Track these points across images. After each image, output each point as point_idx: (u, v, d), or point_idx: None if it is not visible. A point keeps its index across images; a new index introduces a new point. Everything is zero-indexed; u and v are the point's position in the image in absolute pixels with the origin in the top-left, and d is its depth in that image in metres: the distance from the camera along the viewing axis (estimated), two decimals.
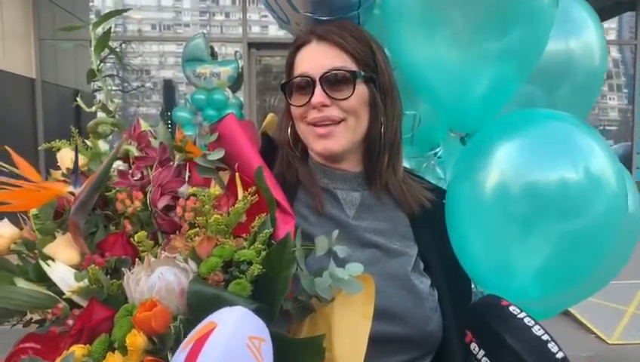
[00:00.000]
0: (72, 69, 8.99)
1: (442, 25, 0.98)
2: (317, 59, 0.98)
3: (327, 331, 0.76)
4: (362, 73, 0.98)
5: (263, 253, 0.76)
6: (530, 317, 0.76)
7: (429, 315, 0.97)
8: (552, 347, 0.73)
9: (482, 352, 0.81)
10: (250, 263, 0.75)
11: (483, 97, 1.05)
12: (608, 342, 4.27)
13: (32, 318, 0.78)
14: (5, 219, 0.80)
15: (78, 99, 0.92)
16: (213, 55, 7.12)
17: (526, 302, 0.91)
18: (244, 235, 0.79)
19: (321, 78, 0.96)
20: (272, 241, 0.80)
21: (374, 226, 1.01)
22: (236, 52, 7.29)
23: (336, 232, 0.79)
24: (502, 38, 0.98)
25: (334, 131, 0.97)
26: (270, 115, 1.10)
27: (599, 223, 0.94)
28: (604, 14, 9.21)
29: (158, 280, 0.71)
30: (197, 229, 0.78)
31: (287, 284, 0.72)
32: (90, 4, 10.14)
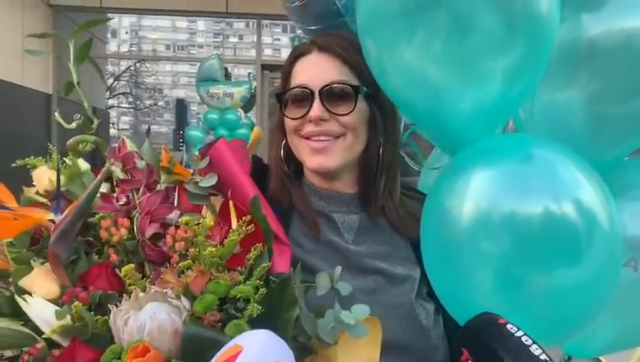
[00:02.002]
0: (87, 86, 9.05)
1: (426, 34, 0.80)
2: (317, 70, 0.93)
3: None
4: (364, 89, 0.93)
5: (262, 290, 0.70)
6: (527, 335, 0.73)
7: (435, 344, 0.92)
8: None
9: None
10: (247, 300, 0.69)
11: (473, 116, 0.89)
12: None
13: (2, 355, 0.72)
14: None
15: (56, 113, 0.87)
16: (227, 76, 7.18)
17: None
18: (238, 268, 0.73)
19: (320, 91, 0.91)
20: (270, 275, 0.74)
21: (375, 250, 0.96)
22: (250, 73, 7.35)
23: (339, 268, 0.74)
24: (496, 52, 0.81)
25: (330, 147, 0.92)
26: (256, 130, 1.06)
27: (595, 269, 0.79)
28: None
29: (149, 320, 0.65)
30: (189, 261, 0.72)
31: (288, 327, 0.67)
32: (108, 24, 10.30)
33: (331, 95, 0.91)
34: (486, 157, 0.85)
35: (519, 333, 0.73)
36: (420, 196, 1.05)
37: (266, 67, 8.48)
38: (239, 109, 6.82)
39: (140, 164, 0.79)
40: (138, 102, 14.86)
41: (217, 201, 0.81)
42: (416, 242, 0.96)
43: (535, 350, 0.71)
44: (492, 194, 0.80)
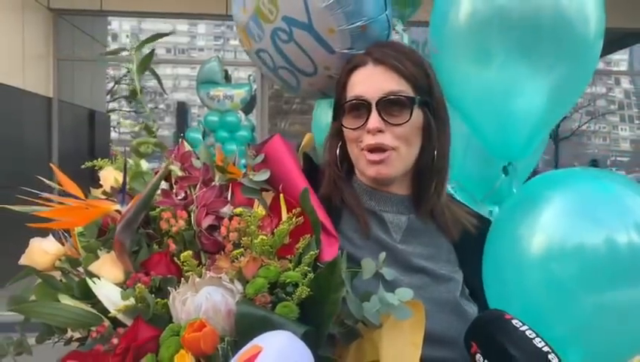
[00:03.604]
0: (88, 89, 9.11)
1: (490, 55, 0.99)
2: (373, 82, 0.96)
3: (375, 358, 0.75)
4: (419, 98, 0.97)
5: (310, 276, 0.75)
6: (531, 329, 0.80)
7: None
8: (553, 358, 0.77)
9: None
10: (295, 285, 0.74)
11: (526, 127, 1.05)
12: None
13: (72, 336, 0.77)
14: (50, 236, 0.80)
15: (122, 120, 0.94)
16: (227, 78, 7.21)
17: None
18: (288, 256, 0.79)
19: (377, 103, 0.94)
20: (318, 263, 0.79)
21: (421, 251, 1.00)
22: (250, 76, 7.38)
23: (383, 255, 0.78)
24: (549, 70, 0.98)
25: (388, 158, 0.96)
26: (309, 135, 1.10)
27: None
28: (615, 45, 9.25)
29: (205, 300, 0.70)
30: (242, 250, 0.77)
31: (336, 307, 0.71)
32: (109, 27, 10.34)
33: (387, 106, 0.95)
34: (555, 188, 0.97)
35: (524, 327, 0.79)
36: (459, 202, 1.11)
37: None
38: (239, 111, 6.84)
39: (196, 163, 0.85)
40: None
41: (268, 196, 0.86)
42: (458, 245, 1.02)
43: (538, 343, 0.78)
44: (562, 223, 0.91)
